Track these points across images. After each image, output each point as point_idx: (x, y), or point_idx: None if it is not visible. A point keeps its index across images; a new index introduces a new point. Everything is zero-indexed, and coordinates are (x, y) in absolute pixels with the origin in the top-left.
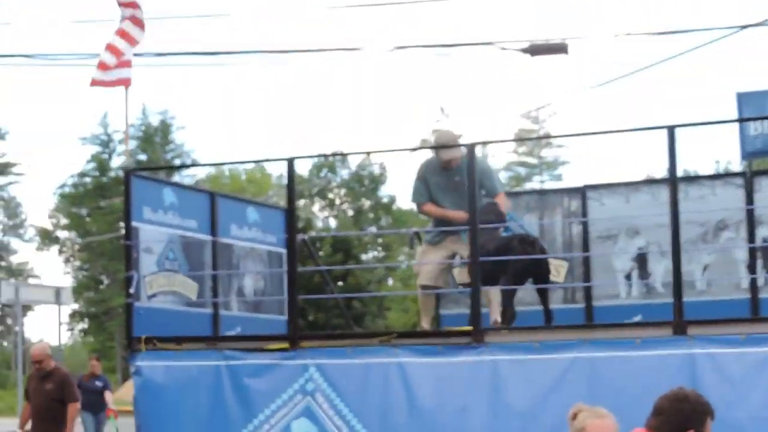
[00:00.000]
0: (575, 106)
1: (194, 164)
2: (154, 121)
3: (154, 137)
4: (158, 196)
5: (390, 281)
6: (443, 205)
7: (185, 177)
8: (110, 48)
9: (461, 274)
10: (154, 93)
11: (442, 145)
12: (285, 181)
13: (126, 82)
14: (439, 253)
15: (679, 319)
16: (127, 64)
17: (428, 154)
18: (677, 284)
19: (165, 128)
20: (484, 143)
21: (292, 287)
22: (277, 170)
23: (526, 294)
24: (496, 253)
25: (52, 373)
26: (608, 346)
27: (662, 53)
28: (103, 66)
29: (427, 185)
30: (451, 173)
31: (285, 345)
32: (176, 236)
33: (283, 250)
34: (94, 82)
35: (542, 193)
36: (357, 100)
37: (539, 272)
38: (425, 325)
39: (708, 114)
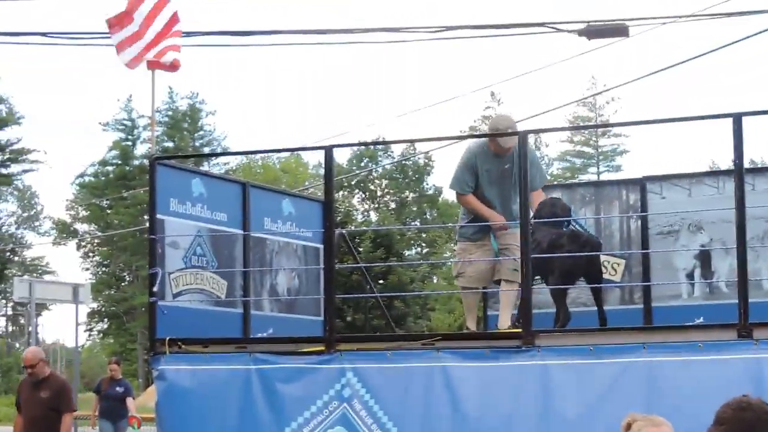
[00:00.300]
0: (635, 92)
1: (225, 152)
2: (182, 105)
3: (182, 123)
4: (186, 187)
5: (434, 279)
6: (488, 198)
7: (215, 166)
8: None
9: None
10: (183, 75)
11: (495, 132)
12: (322, 171)
13: (175, 66)
14: (481, 251)
15: (745, 322)
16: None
17: (477, 141)
18: (743, 284)
19: (194, 113)
20: (538, 131)
21: (329, 286)
22: (314, 159)
23: (581, 295)
24: (547, 251)
25: (47, 379)
26: (668, 350)
27: (729, 36)
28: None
29: (474, 173)
30: (503, 161)
31: (320, 348)
32: (205, 230)
33: (320, 246)
34: (151, 65)
35: (599, 185)
36: (401, 84)
37: (591, 271)
38: (471, 326)
39: None
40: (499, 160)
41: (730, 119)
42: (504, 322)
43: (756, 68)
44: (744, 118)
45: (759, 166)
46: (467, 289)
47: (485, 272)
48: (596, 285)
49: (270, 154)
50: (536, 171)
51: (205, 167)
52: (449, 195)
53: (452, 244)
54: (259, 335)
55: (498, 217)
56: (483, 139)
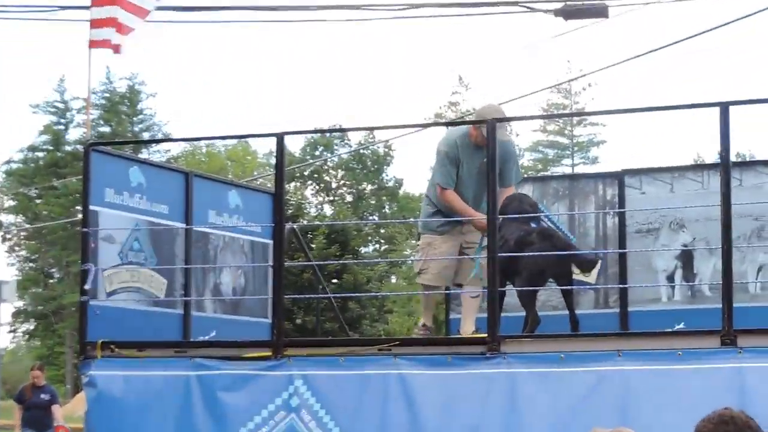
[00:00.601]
0: (614, 78)
1: (167, 139)
2: (121, 87)
3: (120, 106)
4: (123, 176)
5: (393, 279)
6: (464, 194)
7: (155, 153)
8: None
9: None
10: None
11: (467, 120)
12: (273, 160)
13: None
14: (447, 246)
15: (729, 328)
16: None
17: (457, 129)
18: (727, 287)
19: (133, 96)
20: (507, 119)
21: (277, 285)
22: (264, 147)
23: (551, 297)
24: (514, 249)
25: None
26: (645, 359)
27: (717, 18)
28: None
29: (457, 166)
30: (483, 154)
31: (267, 353)
32: (143, 223)
33: (269, 241)
34: (94, 44)
35: (573, 178)
36: (360, 67)
37: (561, 272)
38: (427, 322)
39: None
40: (480, 153)
41: (717, 108)
42: (468, 327)
43: (745, 54)
44: (731, 108)
45: (747, 159)
46: (430, 289)
47: (450, 270)
48: (568, 287)
49: (216, 141)
50: (513, 166)
51: (144, 155)
52: (410, 187)
53: (414, 241)
54: (201, 339)
55: (477, 215)
56: (465, 128)
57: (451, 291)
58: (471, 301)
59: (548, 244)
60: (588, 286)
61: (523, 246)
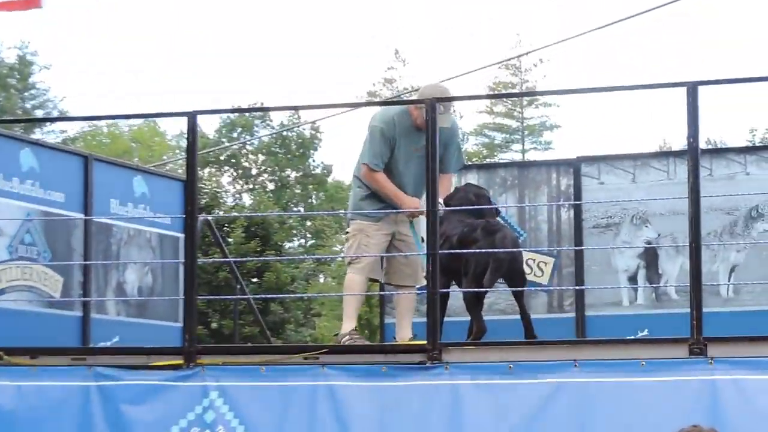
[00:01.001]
0: (568, 54)
1: (63, 117)
2: (9, 57)
3: (9, 79)
4: (12, 159)
5: (321, 279)
6: (400, 180)
7: (49, 134)
8: None
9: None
10: (11, 19)
11: (405, 100)
12: (184, 142)
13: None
14: (380, 236)
15: (698, 336)
16: None
17: (395, 108)
18: (696, 290)
19: (23, 67)
20: (448, 99)
21: (190, 284)
22: (174, 128)
23: (499, 300)
24: (457, 246)
25: None
26: (605, 369)
27: None
28: None
29: (391, 148)
30: (420, 135)
31: (178, 361)
32: (36, 213)
33: (180, 235)
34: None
35: (523, 166)
36: (284, 39)
37: (511, 271)
38: (349, 326)
39: (743, 69)
40: (420, 135)
41: (684, 89)
42: (404, 333)
43: (720, 28)
44: (701, 89)
45: (718, 147)
46: (363, 283)
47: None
48: (519, 288)
49: (119, 120)
50: (455, 151)
51: (37, 135)
52: (340, 175)
53: (343, 235)
54: (102, 345)
55: (412, 201)
56: (405, 108)
57: (386, 292)
58: (406, 304)
59: (493, 240)
60: (541, 287)
61: (467, 243)
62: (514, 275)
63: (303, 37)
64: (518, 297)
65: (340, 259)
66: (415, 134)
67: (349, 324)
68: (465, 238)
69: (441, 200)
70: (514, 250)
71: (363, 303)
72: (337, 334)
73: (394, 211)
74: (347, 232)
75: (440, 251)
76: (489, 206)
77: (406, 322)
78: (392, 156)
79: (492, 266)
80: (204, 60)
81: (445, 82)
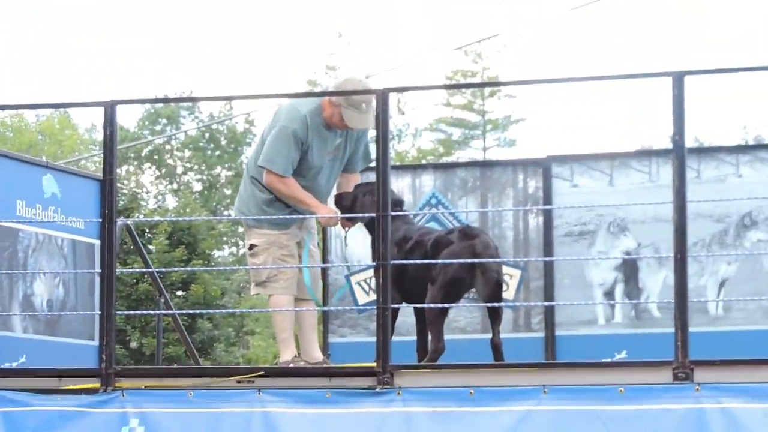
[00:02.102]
0: (537, 38)
1: None
2: None
3: None
4: None
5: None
6: (316, 188)
7: None
8: None
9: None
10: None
11: (344, 100)
12: (101, 136)
13: None
14: (293, 245)
15: (684, 359)
16: None
17: (307, 102)
18: (682, 307)
19: None
20: (401, 89)
21: (107, 297)
22: (89, 119)
23: (458, 317)
24: (433, 253)
25: None
26: (578, 396)
27: None
28: None
29: (300, 150)
30: (335, 135)
31: (94, 384)
32: None
33: (96, 241)
34: None
35: (486, 166)
36: (215, 20)
37: (486, 281)
38: (287, 357)
39: (735, 60)
40: (333, 134)
41: (669, 79)
42: (317, 354)
43: (707, 15)
44: (688, 78)
45: (706, 146)
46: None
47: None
48: (495, 304)
49: (26, 110)
50: (364, 149)
51: None
52: None
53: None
54: (7, 365)
55: (328, 209)
56: (316, 102)
57: (329, 308)
58: (312, 321)
59: (472, 245)
60: (505, 304)
61: (441, 249)
62: (495, 291)
63: (237, 21)
64: (496, 316)
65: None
66: (328, 135)
67: (288, 352)
68: (439, 242)
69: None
70: (495, 260)
71: (294, 324)
72: (276, 364)
73: (307, 216)
74: (253, 246)
75: (394, 261)
76: (444, 210)
77: (314, 342)
78: (302, 160)
79: (482, 279)
80: (124, 44)
81: (398, 69)
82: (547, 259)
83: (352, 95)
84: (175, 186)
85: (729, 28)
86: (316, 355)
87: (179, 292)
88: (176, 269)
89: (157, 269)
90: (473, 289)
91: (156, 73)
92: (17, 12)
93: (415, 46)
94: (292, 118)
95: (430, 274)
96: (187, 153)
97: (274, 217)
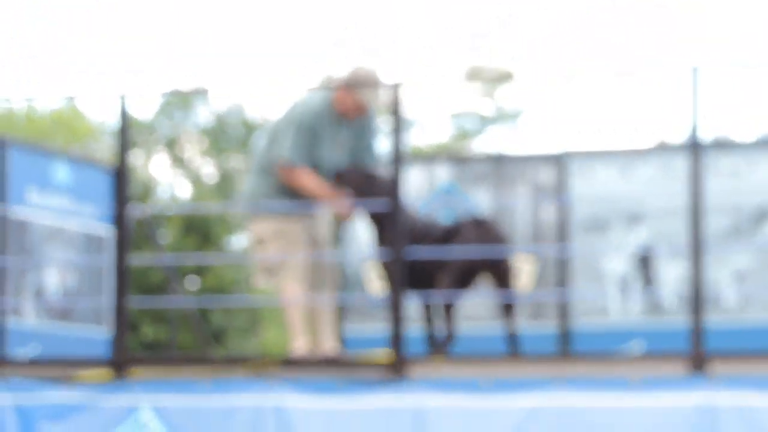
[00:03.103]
0: (554, 28)
1: None
2: None
3: None
4: None
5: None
6: (320, 175)
7: None
8: None
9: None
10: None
11: (354, 88)
12: (114, 125)
13: None
14: (306, 237)
15: (698, 351)
16: None
17: (317, 93)
18: (696, 298)
19: None
20: (413, 84)
21: (121, 287)
22: (101, 114)
23: (464, 305)
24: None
25: None
26: (592, 387)
27: None
28: None
29: (311, 140)
30: (347, 126)
31: (105, 373)
32: None
33: (109, 231)
34: None
35: (500, 159)
36: (225, 11)
37: (498, 269)
38: (301, 346)
39: (752, 53)
40: (344, 127)
41: (687, 73)
42: (335, 344)
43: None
44: (703, 72)
45: (722, 139)
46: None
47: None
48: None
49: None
50: (369, 143)
51: None
52: None
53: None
54: (19, 354)
55: (344, 201)
56: (328, 96)
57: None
58: (329, 314)
59: (483, 236)
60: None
61: (453, 238)
62: (502, 274)
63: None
64: (508, 307)
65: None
66: (339, 127)
67: (300, 342)
68: (447, 234)
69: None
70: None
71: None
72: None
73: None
74: (260, 236)
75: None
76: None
77: (330, 333)
78: (312, 153)
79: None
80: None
81: (411, 64)
82: (561, 249)
83: (360, 83)
84: (188, 175)
85: (743, 26)
86: (332, 346)
87: (193, 281)
88: (189, 258)
89: (169, 258)
90: (485, 278)
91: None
92: (16, 11)
93: (427, 40)
94: (305, 109)
95: (440, 263)
96: (201, 142)
97: (282, 205)
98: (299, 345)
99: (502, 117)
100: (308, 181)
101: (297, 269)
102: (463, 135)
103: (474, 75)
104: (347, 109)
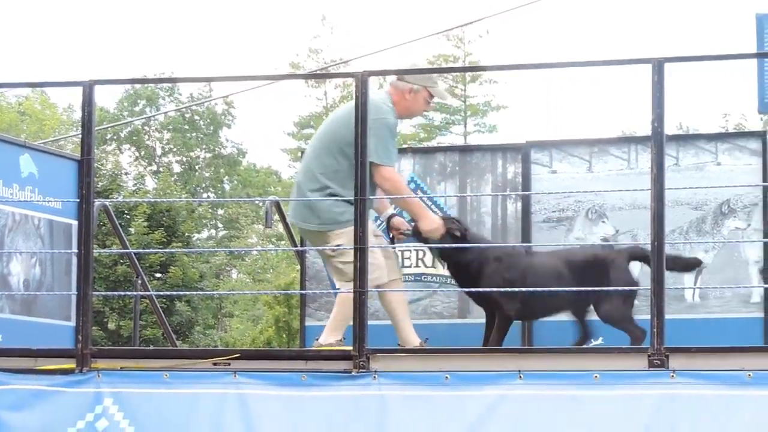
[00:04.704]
0: (517, 25)
1: None
2: None
3: None
4: None
5: (234, 275)
6: None
7: None
8: None
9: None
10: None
11: (333, 73)
12: (79, 116)
13: None
14: (378, 241)
15: (659, 346)
16: None
17: (380, 93)
18: (658, 294)
19: None
20: (381, 73)
21: (84, 278)
22: (67, 99)
23: (435, 303)
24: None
25: None
26: (553, 381)
27: None
28: None
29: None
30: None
31: (69, 365)
32: None
33: (73, 222)
34: None
35: (465, 151)
36: (197, 6)
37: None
38: (330, 339)
39: (715, 46)
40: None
41: (649, 66)
42: (413, 338)
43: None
44: (668, 66)
45: (686, 133)
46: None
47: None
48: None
49: (4, 90)
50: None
51: None
52: (255, 157)
53: (259, 226)
54: None
55: (433, 218)
56: (384, 93)
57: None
58: (402, 304)
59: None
60: (483, 290)
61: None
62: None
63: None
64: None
65: (254, 253)
66: None
67: (335, 335)
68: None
69: None
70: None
71: None
72: (317, 339)
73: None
74: (340, 245)
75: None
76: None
77: (408, 324)
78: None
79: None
80: (104, 23)
81: (378, 54)
82: (525, 244)
83: (342, 77)
84: (153, 167)
85: (710, 16)
86: (412, 339)
87: (157, 275)
88: (155, 251)
89: (135, 251)
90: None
91: (135, 54)
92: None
93: (397, 30)
94: (386, 110)
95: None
96: (167, 134)
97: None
98: (330, 341)
99: (468, 110)
100: (404, 187)
101: (383, 265)
102: (430, 128)
103: (441, 68)
104: (408, 108)
